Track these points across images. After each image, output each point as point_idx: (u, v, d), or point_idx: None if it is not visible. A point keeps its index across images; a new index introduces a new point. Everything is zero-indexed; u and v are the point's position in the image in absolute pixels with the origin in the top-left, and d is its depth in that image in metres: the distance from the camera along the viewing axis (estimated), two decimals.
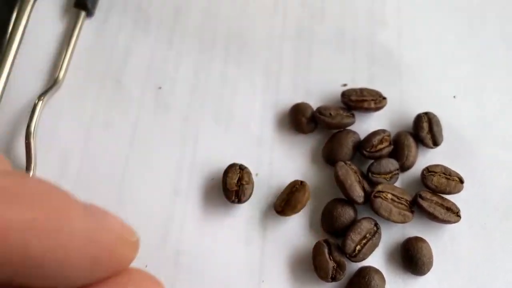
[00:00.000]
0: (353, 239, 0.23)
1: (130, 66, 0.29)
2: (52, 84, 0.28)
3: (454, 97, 0.28)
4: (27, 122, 0.26)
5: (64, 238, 0.13)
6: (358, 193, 0.24)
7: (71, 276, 0.14)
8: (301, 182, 0.25)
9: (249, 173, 0.25)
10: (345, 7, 0.30)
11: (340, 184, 0.24)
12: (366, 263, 0.24)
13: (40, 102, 0.27)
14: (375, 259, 0.24)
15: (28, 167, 0.26)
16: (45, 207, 0.13)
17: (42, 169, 0.27)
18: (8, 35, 0.29)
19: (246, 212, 0.25)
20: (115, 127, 0.28)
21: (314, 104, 0.27)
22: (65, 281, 0.14)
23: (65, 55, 0.29)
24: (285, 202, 0.24)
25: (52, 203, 0.13)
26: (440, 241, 0.24)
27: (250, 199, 0.25)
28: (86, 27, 0.30)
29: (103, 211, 0.16)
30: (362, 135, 0.26)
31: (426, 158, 0.26)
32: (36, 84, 0.29)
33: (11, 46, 0.29)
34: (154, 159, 0.27)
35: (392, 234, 0.25)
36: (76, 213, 0.14)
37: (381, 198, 0.24)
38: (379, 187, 0.24)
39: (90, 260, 0.14)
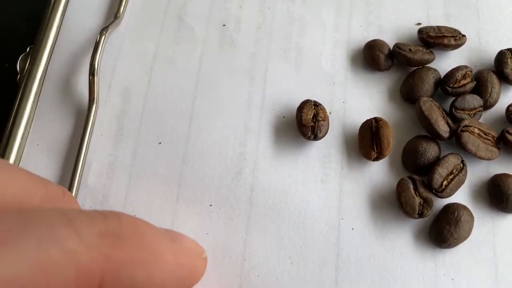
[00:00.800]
0: (441, 174, 0.22)
1: (192, 3, 0.28)
2: (112, 20, 0.27)
3: None
4: (89, 59, 0.25)
5: (160, 267, 0.16)
6: (444, 128, 0.23)
7: None
8: (375, 118, 0.24)
9: (324, 110, 0.24)
10: None
11: (425, 119, 0.23)
12: (451, 200, 0.23)
13: (103, 38, 0.26)
14: (461, 196, 0.23)
15: (90, 104, 0.25)
16: (141, 244, 0.16)
17: (104, 106, 0.26)
18: None
19: (321, 150, 0.24)
20: (178, 64, 0.27)
21: (388, 42, 0.26)
22: None
23: None
24: (375, 144, 0.23)
25: (146, 239, 0.16)
26: None
27: (325, 136, 0.24)
28: None
29: (180, 235, 0.19)
30: (442, 73, 0.25)
31: (509, 96, 0.25)
32: (95, 20, 0.28)
33: None
34: (221, 97, 0.26)
35: (477, 171, 0.24)
36: (165, 244, 0.17)
37: (469, 132, 0.23)
38: (466, 122, 0.23)
39: (177, 280, 0.18)
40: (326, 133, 0.24)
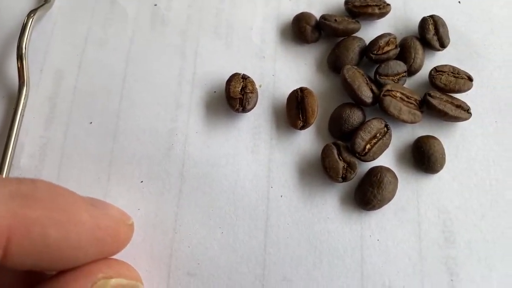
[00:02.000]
0: (363, 138, 0.22)
1: None
2: (42, 2, 0.27)
3: (459, 1, 0.27)
4: (16, 42, 0.25)
5: (75, 227, 0.17)
6: (366, 94, 0.23)
7: (83, 256, 0.18)
8: (301, 89, 0.24)
9: (252, 82, 0.25)
10: None
11: (348, 86, 0.23)
12: (377, 163, 0.23)
13: (30, 20, 0.26)
14: (387, 160, 0.23)
15: (20, 88, 0.25)
16: (56, 205, 0.17)
17: (35, 88, 0.26)
18: None
19: (252, 122, 0.25)
20: (110, 44, 0.27)
21: (317, 14, 0.27)
22: (78, 261, 0.18)
23: None
24: (300, 113, 0.24)
25: (61, 201, 0.17)
26: (451, 139, 0.24)
27: (254, 109, 0.25)
28: None
29: (104, 202, 0.20)
30: (368, 42, 0.25)
31: (433, 62, 0.25)
32: (24, 2, 0.28)
33: None
34: (152, 74, 0.26)
35: (402, 135, 0.24)
36: (82, 207, 0.18)
37: (391, 96, 0.23)
38: (388, 86, 0.23)
39: (97, 242, 0.18)
40: (254, 105, 0.24)
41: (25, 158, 0.24)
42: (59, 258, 0.17)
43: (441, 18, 0.25)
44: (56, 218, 0.16)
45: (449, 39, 0.25)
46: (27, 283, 0.19)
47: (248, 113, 0.25)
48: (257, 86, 0.25)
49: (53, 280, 0.17)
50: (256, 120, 0.25)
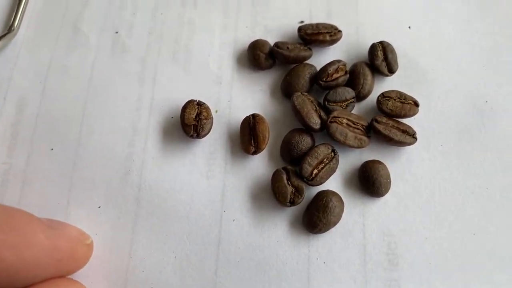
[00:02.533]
0: (310, 163, 0.23)
1: (88, 12, 0.29)
2: (6, 32, 0.28)
3: (409, 27, 0.28)
4: None
5: (31, 248, 0.18)
6: (314, 120, 0.24)
7: (41, 275, 0.18)
8: (253, 115, 0.25)
9: (207, 109, 0.25)
10: None
11: (297, 113, 0.24)
12: (324, 187, 0.24)
13: None
14: (334, 184, 0.24)
15: None
16: (10, 228, 0.17)
17: None
18: None
19: (207, 147, 0.25)
20: (72, 72, 0.27)
21: (273, 41, 0.27)
22: (36, 279, 0.18)
23: (19, 3, 0.29)
24: (252, 139, 0.24)
25: (16, 223, 0.18)
26: (397, 164, 0.25)
27: (210, 135, 0.25)
28: None
29: (62, 223, 0.21)
30: (319, 67, 0.26)
31: (382, 87, 0.26)
32: None
33: None
34: (112, 101, 0.27)
35: (350, 160, 0.25)
36: (38, 228, 0.18)
37: (337, 123, 0.24)
38: (335, 113, 0.24)
39: (55, 262, 0.19)
40: (209, 131, 0.25)
41: None
42: (16, 279, 0.18)
43: (390, 44, 0.26)
44: (10, 241, 0.17)
45: (397, 64, 0.26)
46: None
47: (204, 138, 0.25)
48: (213, 112, 0.26)
49: None
50: (212, 146, 0.26)
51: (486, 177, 0.24)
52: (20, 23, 0.29)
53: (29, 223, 0.19)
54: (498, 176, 0.24)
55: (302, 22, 0.28)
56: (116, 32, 0.28)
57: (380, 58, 0.26)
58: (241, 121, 0.25)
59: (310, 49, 0.26)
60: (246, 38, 0.28)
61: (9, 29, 0.28)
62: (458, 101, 0.26)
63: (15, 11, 0.28)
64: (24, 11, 0.29)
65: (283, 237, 0.23)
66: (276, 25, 0.28)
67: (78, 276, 0.22)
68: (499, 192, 0.24)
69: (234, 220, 0.24)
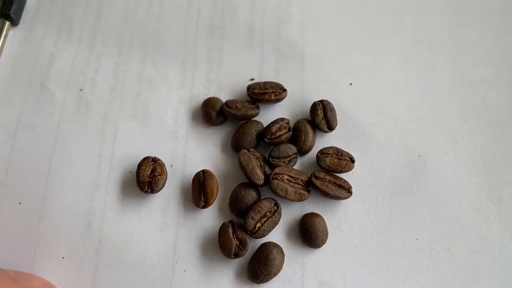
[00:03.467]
0: (253, 217, 0.26)
1: (54, 70, 0.31)
2: None
3: (351, 84, 0.30)
4: None
5: None
6: (258, 176, 0.26)
7: None
8: (203, 171, 0.27)
9: (162, 165, 0.28)
10: (254, 5, 0.33)
11: (243, 169, 0.27)
12: (268, 239, 0.26)
13: None
14: (277, 235, 0.26)
15: None
16: None
17: None
18: None
19: (162, 201, 0.28)
20: (39, 128, 0.30)
21: (225, 98, 0.30)
22: None
23: None
24: (202, 194, 0.27)
25: None
26: (335, 216, 0.27)
27: (165, 188, 0.27)
28: (11, 35, 0.32)
29: (28, 274, 0.23)
30: (267, 124, 0.28)
31: (323, 142, 0.29)
32: None
33: None
34: (76, 156, 0.29)
35: (292, 211, 0.27)
36: (6, 280, 0.20)
37: (278, 179, 0.26)
38: (276, 170, 0.26)
39: None
40: (162, 187, 0.27)
41: None
42: None
43: (330, 103, 0.28)
44: None
45: (336, 122, 0.28)
46: None
47: (159, 192, 0.27)
48: (168, 166, 0.28)
49: None
50: (166, 199, 0.28)
51: (416, 228, 0.27)
52: None
53: None
54: (428, 227, 0.27)
55: (252, 79, 0.30)
56: (81, 90, 0.30)
57: (320, 117, 0.28)
58: (193, 176, 0.27)
59: (257, 106, 0.29)
60: (201, 94, 0.30)
61: None
62: (393, 155, 0.28)
63: None
64: None
65: (229, 286, 0.25)
66: (229, 82, 0.30)
67: None
68: (427, 243, 0.26)
69: (184, 271, 0.26)
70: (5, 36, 0.32)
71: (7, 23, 0.32)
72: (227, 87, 0.30)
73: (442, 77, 0.31)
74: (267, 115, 0.29)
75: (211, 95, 0.30)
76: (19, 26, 0.33)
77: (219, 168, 0.28)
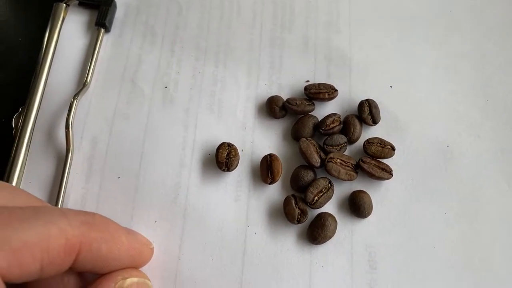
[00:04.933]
0: (312, 192, 0.32)
1: (142, 70, 0.38)
2: (82, 86, 0.37)
3: (391, 87, 0.36)
4: (65, 117, 0.35)
5: (117, 245, 0.26)
6: (316, 160, 0.32)
7: (119, 266, 0.27)
8: (270, 154, 0.33)
9: (235, 149, 0.34)
10: (309, 19, 0.39)
11: (302, 153, 0.33)
12: (323, 210, 0.32)
13: (75, 101, 0.35)
14: (330, 207, 0.33)
15: (67, 151, 0.34)
16: (107, 230, 0.25)
17: (77, 151, 0.35)
18: (43, 50, 0.38)
19: (235, 178, 0.34)
20: (132, 118, 0.36)
21: (285, 96, 0.36)
22: (116, 268, 0.26)
23: (90, 64, 0.37)
24: (269, 173, 0.33)
25: (110, 228, 0.26)
26: (378, 193, 0.33)
27: (237, 168, 0.34)
28: (105, 40, 0.39)
29: (135, 231, 0.30)
30: (320, 118, 0.35)
31: (368, 134, 0.35)
32: (69, 87, 0.37)
33: (46, 58, 0.38)
34: (163, 141, 0.35)
35: (343, 189, 0.33)
36: (122, 232, 0.27)
37: (332, 162, 0.32)
38: (331, 155, 0.32)
39: (129, 257, 0.27)
40: (236, 166, 0.33)
41: (71, 204, 0.34)
42: (104, 266, 0.25)
43: (375, 101, 0.34)
44: (106, 238, 0.25)
45: (380, 117, 0.34)
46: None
47: (233, 171, 0.34)
48: (239, 151, 0.34)
49: (94, 282, 0.26)
50: (239, 176, 0.34)
51: (444, 205, 0.33)
52: (91, 79, 0.37)
53: (117, 228, 0.27)
54: (453, 204, 0.33)
55: (307, 81, 0.37)
56: (166, 87, 0.37)
57: (366, 112, 0.34)
58: (261, 158, 0.34)
59: (313, 104, 0.35)
60: (265, 93, 0.36)
61: (84, 84, 0.37)
62: (426, 146, 0.34)
63: (87, 69, 0.37)
64: (94, 70, 0.37)
65: (292, 246, 0.32)
66: (288, 83, 0.37)
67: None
68: (453, 216, 0.32)
69: (255, 233, 0.32)
70: (101, 41, 0.39)
71: (102, 30, 0.39)
72: (286, 87, 0.37)
73: (467, 81, 0.36)
74: (321, 111, 0.35)
75: (273, 94, 0.36)
76: (110, 32, 0.39)
77: (281, 154, 0.34)
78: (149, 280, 0.29)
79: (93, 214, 0.26)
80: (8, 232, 0.21)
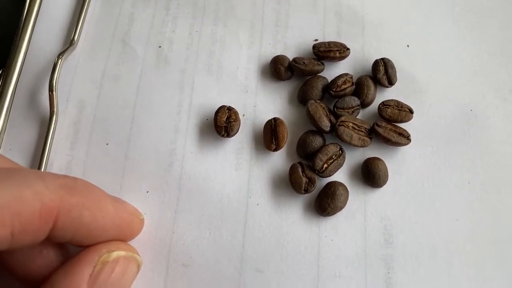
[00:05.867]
0: (321, 159, 0.28)
1: (134, 29, 0.34)
2: (68, 45, 0.33)
3: (408, 46, 0.33)
4: (49, 77, 0.32)
5: (102, 213, 0.23)
6: (325, 124, 0.29)
7: (104, 237, 0.24)
8: (274, 119, 0.30)
9: (236, 113, 0.31)
10: None
11: (311, 117, 0.29)
12: (333, 179, 0.29)
13: (60, 60, 0.32)
14: (341, 176, 0.29)
15: (51, 115, 0.31)
16: (90, 196, 0.23)
17: (62, 115, 0.32)
18: (26, 6, 0.35)
19: (236, 145, 0.31)
20: (123, 80, 0.33)
21: (291, 56, 0.33)
22: (100, 240, 0.24)
23: (78, 21, 0.34)
24: (274, 138, 0.30)
25: (93, 193, 0.23)
26: (394, 161, 0.30)
27: (238, 134, 0.31)
28: None
29: (122, 200, 0.27)
30: (330, 79, 0.31)
31: (383, 96, 0.31)
32: (55, 46, 0.34)
33: (30, 15, 0.34)
34: (157, 105, 0.32)
35: (355, 156, 0.30)
36: (108, 200, 0.24)
37: (344, 126, 0.29)
38: (342, 118, 0.29)
39: (116, 228, 0.24)
40: (237, 132, 0.30)
41: (54, 172, 0.30)
42: (87, 236, 0.23)
43: (391, 60, 0.31)
44: (89, 205, 0.22)
45: (396, 78, 0.31)
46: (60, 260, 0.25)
47: (233, 137, 0.31)
48: (240, 116, 0.31)
49: (76, 255, 0.23)
50: (239, 143, 0.31)
51: (468, 173, 0.29)
52: (79, 38, 0.34)
53: (102, 195, 0.24)
54: (478, 172, 0.29)
55: (316, 40, 0.33)
56: (159, 47, 0.34)
57: (382, 72, 0.31)
58: (264, 123, 0.30)
59: (322, 63, 0.31)
60: (269, 53, 0.33)
61: (71, 42, 0.33)
62: (447, 109, 0.31)
63: (74, 28, 0.34)
64: (82, 28, 0.34)
65: (298, 218, 0.28)
66: (294, 43, 0.33)
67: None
68: (478, 186, 0.29)
69: (258, 204, 0.29)
70: None
71: None
72: (292, 47, 0.33)
73: (492, 39, 0.33)
74: (330, 72, 0.32)
75: (278, 54, 0.33)
76: None
77: (287, 118, 0.31)
78: (139, 255, 0.26)
79: (75, 179, 0.23)
80: None
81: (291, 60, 0.32)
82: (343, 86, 0.30)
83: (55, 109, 0.31)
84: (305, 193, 0.28)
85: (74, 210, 0.21)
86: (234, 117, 0.30)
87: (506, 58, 0.32)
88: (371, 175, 0.29)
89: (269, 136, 0.30)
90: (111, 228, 0.24)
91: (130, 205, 0.27)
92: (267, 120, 0.30)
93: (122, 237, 0.25)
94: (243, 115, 0.31)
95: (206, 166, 0.30)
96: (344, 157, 0.29)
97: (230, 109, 0.31)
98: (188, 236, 0.28)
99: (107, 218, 0.23)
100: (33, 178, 0.21)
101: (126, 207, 0.26)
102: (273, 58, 0.32)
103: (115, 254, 0.24)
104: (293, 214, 0.29)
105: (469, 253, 0.28)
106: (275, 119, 0.30)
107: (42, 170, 0.30)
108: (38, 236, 0.21)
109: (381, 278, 0.27)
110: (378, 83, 0.31)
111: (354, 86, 0.31)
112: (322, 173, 0.28)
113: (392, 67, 0.31)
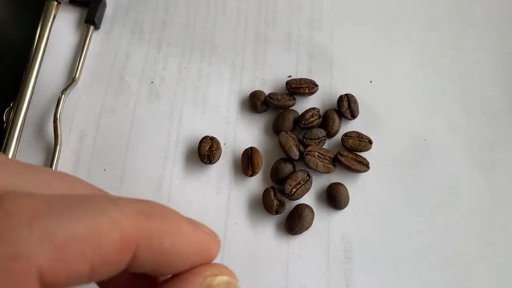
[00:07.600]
0: (291, 184, 0.33)
1: (129, 66, 0.39)
2: (70, 82, 0.38)
3: (371, 81, 0.37)
4: (54, 110, 0.36)
5: (182, 238, 0.20)
6: (295, 153, 0.33)
7: (186, 263, 0.21)
8: (251, 148, 0.34)
9: (218, 143, 0.35)
10: (292, 16, 0.40)
11: (282, 146, 0.34)
12: (301, 201, 0.33)
13: (63, 95, 0.37)
14: (308, 199, 0.33)
15: (55, 144, 0.36)
16: (167, 220, 0.20)
17: (66, 144, 0.36)
18: (34, 46, 0.39)
19: (217, 171, 0.35)
20: (119, 112, 0.37)
21: (268, 91, 0.37)
22: (183, 267, 0.21)
23: (79, 59, 0.39)
24: (250, 165, 0.34)
25: (170, 217, 0.20)
26: (355, 185, 0.34)
27: (219, 161, 0.35)
28: (94, 37, 0.40)
29: (197, 221, 0.23)
30: (301, 112, 0.35)
31: (347, 128, 0.35)
32: (59, 82, 0.38)
33: (37, 55, 0.39)
34: (148, 135, 0.36)
35: (321, 181, 0.34)
36: (185, 223, 0.21)
37: (310, 155, 0.33)
38: (309, 148, 0.33)
39: (197, 252, 0.21)
40: (218, 159, 0.34)
41: None
42: (169, 264, 0.20)
43: (354, 96, 0.35)
44: (168, 230, 0.19)
45: (358, 111, 0.35)
46: None
47: (215, 164, 0.35)
48: (222, 144, 0.35)
49: (170, 281, 0.21)
50: (220, 169, 0.35)
51: (420, 198, 0.33)
52: (80, 74, 0.38)
53: (179, 218, 0.21)
54: (428, 197, 0.33)
55: (290, 76, 0.37)
56: (152, 82, 0.38)
57: (345, 107, 0.35)
58: (242, 151, 0.35)
59: (294, 98, 0.36)
60: (248, 88, 0.37)
61: (73, 79, 0.38)
62: (403, 139, 0.35)
63: (76, 65, 0.38)
64: (83, 66, 0.39)
65: (270, 236, 0.33)
66: (270, 79, 0.38)
67: None
68: (428, 209, 0.33)
69: (235, 224, 0.33)
70: (90, 38, 0.40)
71: (92, 28, 0.40)
72: (269, 82, 0.38)
73: (444, 76, 0.37)
74: (302, 105, 0.36)
75: (256, 89, 0.37)
76: (100, 29, 0.40)
77: (262, 147, 0.35)
78: (238, 280, 0.24)
79: (148, 202, 0.20)
80: (51, 223, 0.16)
81: (267, 95, 0.36)
82: (311, 119, 0.34)
83: (59, 139, 0.36)
84: (276, 214, 0.32)
85: (154, 238, 0.19)
86: (216, 146, 0.34)
87: (455, 93, 0.37)
88: (334, 198, 0.33)
89: (246, 163, 0.34)
90: (193, 253, 0.21)
91: (205, 226, 0.24)
92: (244, 148, 0.35)
93: (203, 262, 0.22)
94: (225, 144, 0.36)
95: (190, 189, 0.34)
96: (311, 182, 0.33)
97: (212, 139, 0.35)
98: None
99: (187, 243, 0.20)
100: (107, 204, 0.18)
101: (203, 229, 0.23)
102: (251, 93, 0.37)
103: (218, 278, 0.21)
104: (266, 233, 0.33)
105: (417, 269, 0.32)
106: (251, 148, 0.34)
107: None
108: (117, 269, 0.18)
109: None
110: (342, 116, 0.35)
111: (321, 119, 0.35)
112: (291, 197, 0.32)
113: (355, 102, 0.35)
